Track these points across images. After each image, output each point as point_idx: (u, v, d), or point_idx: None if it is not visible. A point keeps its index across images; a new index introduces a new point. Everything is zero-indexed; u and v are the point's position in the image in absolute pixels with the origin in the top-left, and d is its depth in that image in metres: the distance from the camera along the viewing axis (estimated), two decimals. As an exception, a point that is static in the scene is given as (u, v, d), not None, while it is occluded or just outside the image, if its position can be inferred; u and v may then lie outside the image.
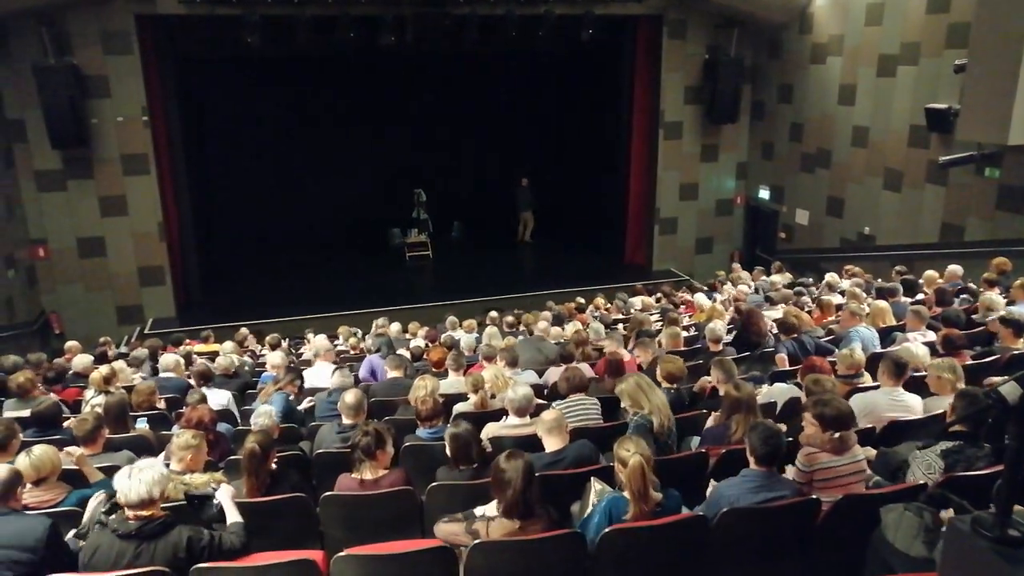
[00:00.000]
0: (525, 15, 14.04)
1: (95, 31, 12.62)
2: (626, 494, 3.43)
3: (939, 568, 2.09)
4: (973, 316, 7.27)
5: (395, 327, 10.48)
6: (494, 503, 3.50)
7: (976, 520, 1.75)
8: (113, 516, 3.29)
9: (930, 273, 9.26)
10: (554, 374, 6.76)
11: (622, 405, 4.90)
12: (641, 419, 4.60)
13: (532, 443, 4.51)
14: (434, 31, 13.74)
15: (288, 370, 6.76)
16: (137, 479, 3.24)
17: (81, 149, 12.84)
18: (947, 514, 2.96)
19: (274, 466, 4.20)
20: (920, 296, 8.55)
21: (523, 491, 3.36)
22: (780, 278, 11.49)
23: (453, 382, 6.41)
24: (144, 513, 3.24)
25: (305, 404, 6.41)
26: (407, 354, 8.10)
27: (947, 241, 11.57)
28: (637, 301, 11.32)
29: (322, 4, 13.02)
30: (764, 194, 16.45)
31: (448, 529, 3.51)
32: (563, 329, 9.58)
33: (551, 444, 4.25)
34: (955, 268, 9.01)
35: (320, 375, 7.27)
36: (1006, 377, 1.93)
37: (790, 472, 3.95)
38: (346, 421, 5.06)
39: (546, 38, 14.44)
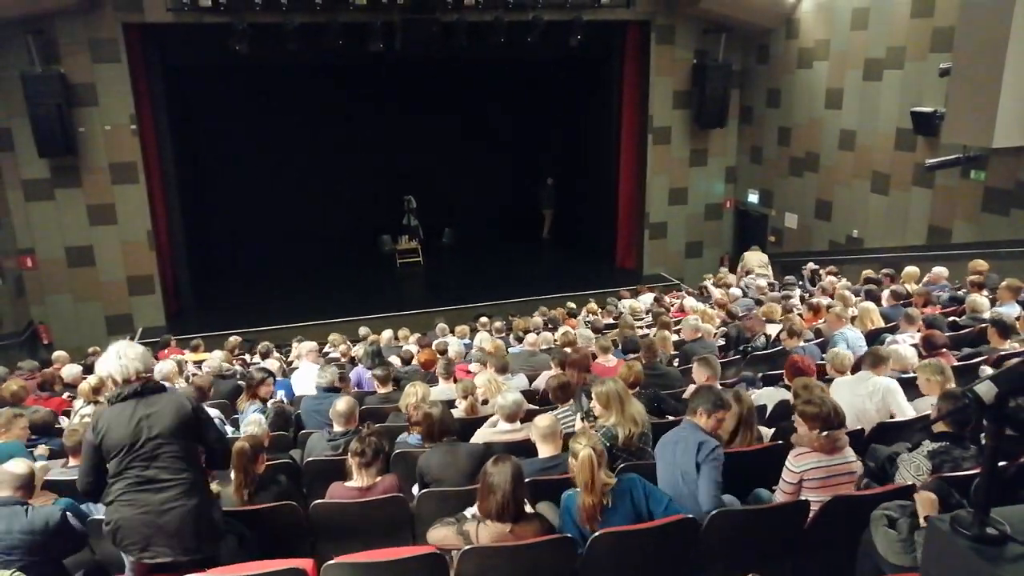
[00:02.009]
0: (514, 21, 14.09)
1: (83, 39, 12.58)
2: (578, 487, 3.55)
3: (920, 566, 2.11)
4: (958, 319, 7.33)
5: (387, 334, 10.47)
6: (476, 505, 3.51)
7: (955, 519, 1.78)
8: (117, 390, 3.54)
9: (911, 269, 9.31)
10: (545, 379, 6.77)
11: (592, 404, 4.70)
12: (602, 436, 4.36)
13: (523, 449, 4.52)
14: (423, 38, 13.75)
15: (250, 376, 6.40)
16: (126, 360, 3.53)
17: (69, 158, 12.78)
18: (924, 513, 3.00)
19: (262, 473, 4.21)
20: (887, 293, 8.58)
21: (512, 493, 3.37)
22: (764, 281, 11.58)
23: (443, 389, 6.40)
24: (144, 376, 3.57)
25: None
26: (397, 360, 8.10)
27: (934, 244, 11.66)
28: (627, 305, 11.34)
29: (310, 12, 13.04)
30: (753, 198, 16.53)
31: (439, 534, 3.50)
32: (554, 335, 9.59)
33: (545, 451, 4.24)
34: (940, 270, 9.10)
35: (307, 377, 7.25)
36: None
37: (784, 475, 3.95)
38: (337, 428, 5.05)
39: (535, 44, 14.48)
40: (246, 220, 18.20)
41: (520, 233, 19.59)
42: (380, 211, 18.24)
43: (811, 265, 11.94)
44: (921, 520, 2.98)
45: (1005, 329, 5.97)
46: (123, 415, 3.42)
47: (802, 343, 6.88)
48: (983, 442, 3.87)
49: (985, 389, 1.67)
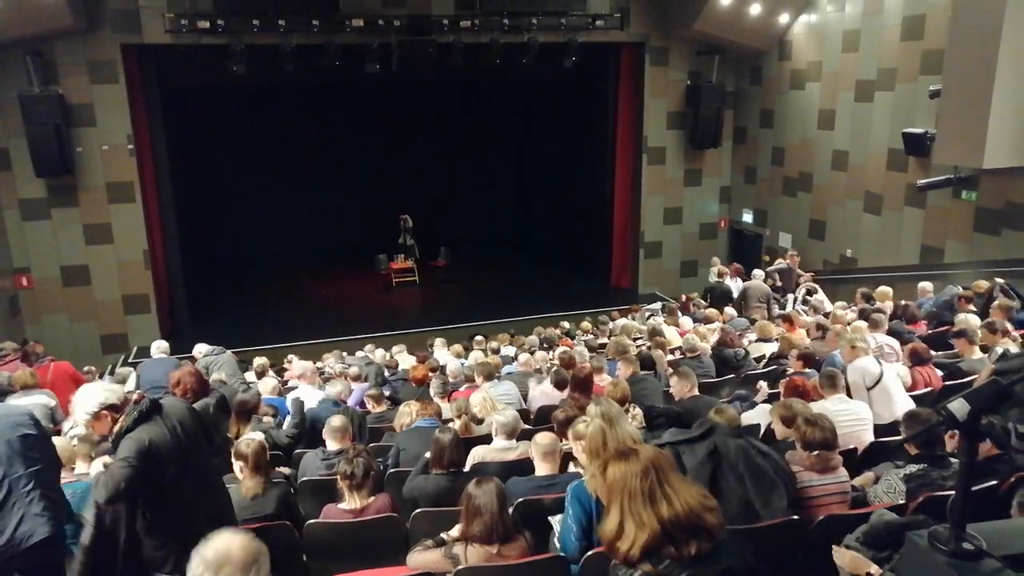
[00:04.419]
0: (509, 43, 14.25)
1: (81, 60, 12.69)
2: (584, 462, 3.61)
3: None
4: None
5: (380, 353, 10.49)
6: (458, 528, 3.49)
7: (932, 534, 1.81)
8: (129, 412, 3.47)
9: (883, 289, 9.42)
10: (539, 398, 6.77)
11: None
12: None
13: (518, 468, 4.52)
14: (419, 59, 13.88)
15: (243, 400, 6.25)
16: (107, 384, 3.69)
17: (66, 177, 12.84)
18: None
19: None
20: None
21: (499, 514, 3.38)
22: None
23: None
24: (141, 394, 3.69)
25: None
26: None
27: (927, 263, 11.74)
28: (621, 324, 11.37)
29: (307, 33, 13.16)
30: (747, 217, 16.64)
31: (423, 558, 3.46)
32: (550, 354, 9.60)
33: (543, 468, 4.21)
34: (925, 285, 9.27)
35: (304, 398, 7.24)
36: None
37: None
38: (331, 447, 5.04)
39: (530, 65, 14.64)
40: (242, 239, 18.27)
41: (516, 252, 19.64)
42: (376, 230, 18.30)
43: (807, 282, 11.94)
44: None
45: (970, 337, 6.23)
46: (160, 431, 3.39)
47: (809, 369, 6.90)
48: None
49: (958, 407, 1.71)
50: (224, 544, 2.21)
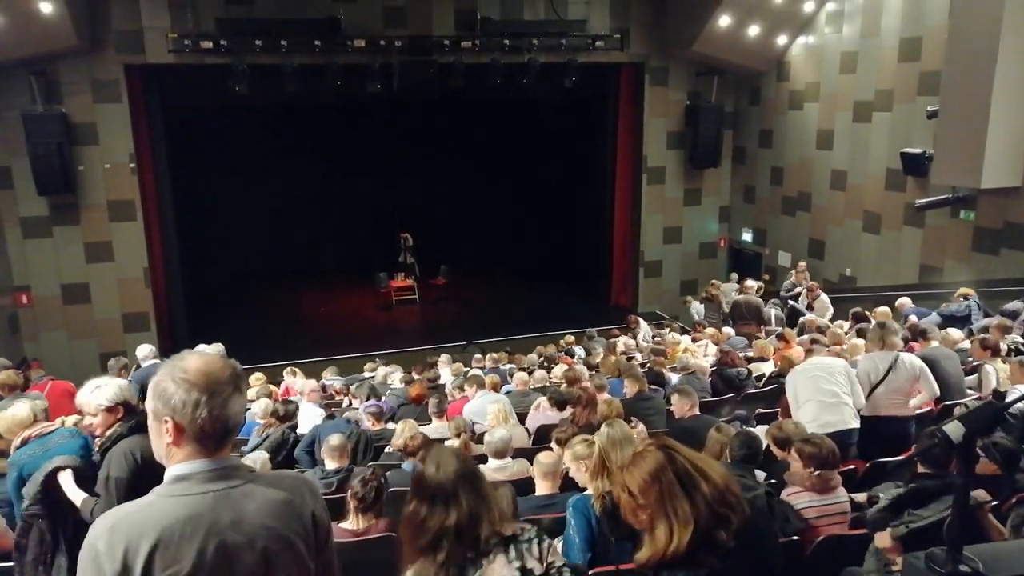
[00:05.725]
0: (510, 63, 14.35)
1: (85, 80, 12.78)
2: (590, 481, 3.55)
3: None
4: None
5: (381, 372, 10.46)
6: None
7: (929, 556, 1.81)
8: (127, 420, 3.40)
9: (883, 309, 9.45)
10: (538, 418, 6.76)
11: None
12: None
13: (517, 487, 4.50)
14: (420, 79, 13.98)
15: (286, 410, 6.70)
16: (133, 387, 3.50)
17: (67, 196, 12.88)
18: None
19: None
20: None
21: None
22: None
23: (437, 427, 6.39)
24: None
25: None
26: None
27: (926, 282, 11.75)
28: (620, 343, 11.36)
29: (309, 53, 13.26)
30: (747, 236, 16.68)
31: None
32: (549, 372, 9.57)
33: (543, 487, 4.20)
34: (904, 300, 9.46)
35: (305, 417, 7.24)
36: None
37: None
38: (329, 466, 5.03)
39: (531, 85, 14.72)
40: (242, 257, 18.28)
41: (515, 271, 19.65)
42: (376, 248, 18.33)
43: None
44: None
45: (924, 335, 6.55)
46: (149, 444, 3.34)
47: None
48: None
49: (953, 428, 1.72)
50: (202, 363, 1.73)
